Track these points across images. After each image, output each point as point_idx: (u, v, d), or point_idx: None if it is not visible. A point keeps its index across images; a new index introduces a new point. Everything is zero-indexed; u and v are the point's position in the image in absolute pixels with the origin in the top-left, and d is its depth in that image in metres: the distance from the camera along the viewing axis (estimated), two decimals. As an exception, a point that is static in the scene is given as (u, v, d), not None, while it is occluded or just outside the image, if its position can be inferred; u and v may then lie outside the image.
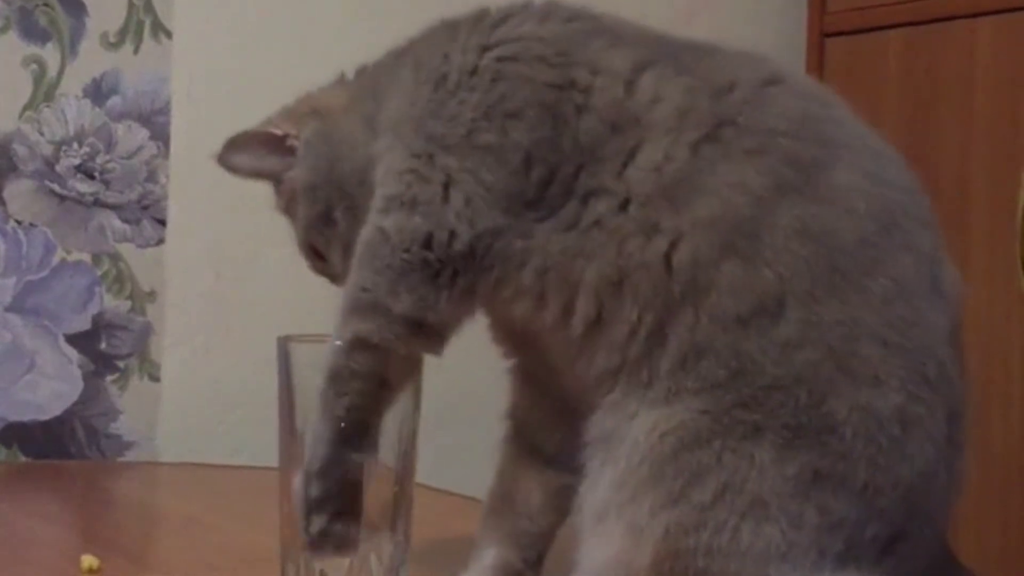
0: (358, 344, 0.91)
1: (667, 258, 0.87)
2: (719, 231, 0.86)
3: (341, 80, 1.04)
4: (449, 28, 0.97)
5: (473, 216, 0.90)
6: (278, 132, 1.00)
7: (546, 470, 0.93)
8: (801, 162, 0.88)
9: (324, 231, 1.00)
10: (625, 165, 0.89)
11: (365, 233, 0.93)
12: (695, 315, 0.86)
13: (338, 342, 0.92)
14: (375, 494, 0.94)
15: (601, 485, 0.88)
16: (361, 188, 0.97)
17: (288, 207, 1.03)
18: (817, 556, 0.84)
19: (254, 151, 1.00)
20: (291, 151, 1.00)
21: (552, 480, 0.99)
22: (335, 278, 1.02)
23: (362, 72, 1.04)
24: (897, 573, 0.87)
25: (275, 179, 1.02)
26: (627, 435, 0.87)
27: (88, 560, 1.05)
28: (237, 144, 1.01)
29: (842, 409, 0.85)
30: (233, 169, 1.01)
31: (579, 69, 0.91)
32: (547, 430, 0.98)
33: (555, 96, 0.91)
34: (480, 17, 0.96)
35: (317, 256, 1.03)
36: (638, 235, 0.87)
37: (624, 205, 0.88)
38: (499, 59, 0.92)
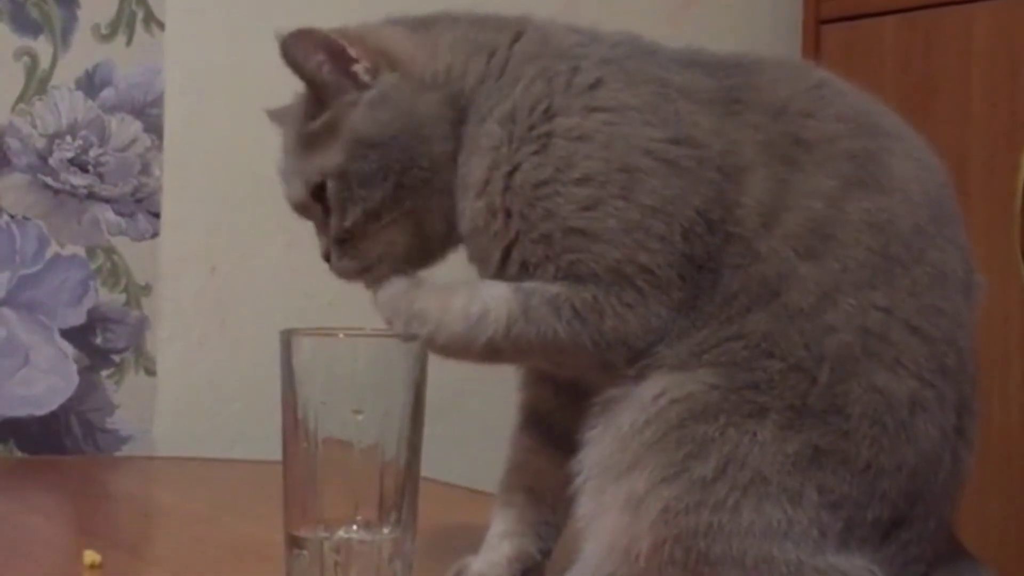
0: None
1: (762, 276, 0.87)
2: (802, 238, 0.87)
3: (398, 25, 0.99)
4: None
5: None
6: (352, 53, 0.95)
7: (569, 459, 0.92)
8: (861, 157, 0.89)
9: (352, 187, 0.94)
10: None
11: None
12: (760, 313, 0.87)
13: None
14: (380, 486, 0.94)
15: (602, 446, 0.88)
16: (426, 170, 0.94)
17: (315, 131, 0.96)
18: (818, 535, 0.85)
19: (319, 54, 0.95)
20: (352, 77, 0.95)
21: None
22: (327, 230, 0.96)
23: (430, 26, 0.98)
24: (900, 559, 0.87)
25: (319, 91, 0.96)
26: (632, 397, 0.88)
27: (91, 555, 1.05)
28: (307, 37, 0.95)
29: (856, 390, 0.85)
30: (288, 57, 0.95)
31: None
32: (568, 418, 0.96)
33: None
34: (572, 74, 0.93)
35: (316, 199, 0.96)
36: (741, 268, 0.88)
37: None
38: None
